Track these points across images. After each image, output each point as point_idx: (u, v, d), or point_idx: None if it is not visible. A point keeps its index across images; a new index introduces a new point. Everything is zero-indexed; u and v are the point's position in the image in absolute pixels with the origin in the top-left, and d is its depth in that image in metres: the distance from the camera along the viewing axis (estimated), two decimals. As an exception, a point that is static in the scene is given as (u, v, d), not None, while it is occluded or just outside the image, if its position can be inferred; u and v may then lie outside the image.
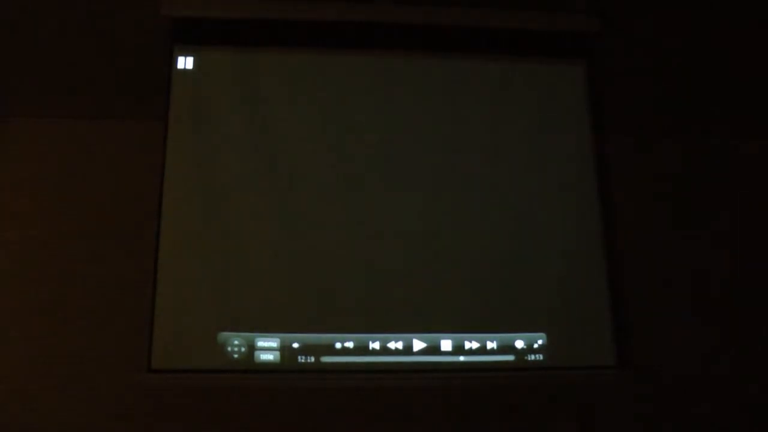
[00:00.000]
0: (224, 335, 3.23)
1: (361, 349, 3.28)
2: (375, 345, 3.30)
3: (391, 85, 3.64)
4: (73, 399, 3.46)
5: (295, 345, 3.26)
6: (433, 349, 3.33)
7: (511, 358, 3.36)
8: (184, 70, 3.56)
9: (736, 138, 3.91)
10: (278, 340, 3.26)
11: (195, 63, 3.58)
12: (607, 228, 3.59)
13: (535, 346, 3.38)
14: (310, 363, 3.24)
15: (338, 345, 3.27)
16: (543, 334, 3.40)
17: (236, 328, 3.25)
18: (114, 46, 3.57)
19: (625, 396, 3.41)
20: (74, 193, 3.67)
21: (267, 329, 3.26)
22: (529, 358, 3.37)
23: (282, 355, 3.24)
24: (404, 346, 3.31)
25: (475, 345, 3.35)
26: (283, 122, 3.52)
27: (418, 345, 3.33)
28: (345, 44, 3.68)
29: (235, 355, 3.22)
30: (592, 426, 3.37)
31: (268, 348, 3.25)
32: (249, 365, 3.21)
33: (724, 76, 3.88)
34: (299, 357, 3.24)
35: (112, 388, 3.47)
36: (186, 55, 3.58)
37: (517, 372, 3.34)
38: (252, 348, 3.23)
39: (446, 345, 3.34)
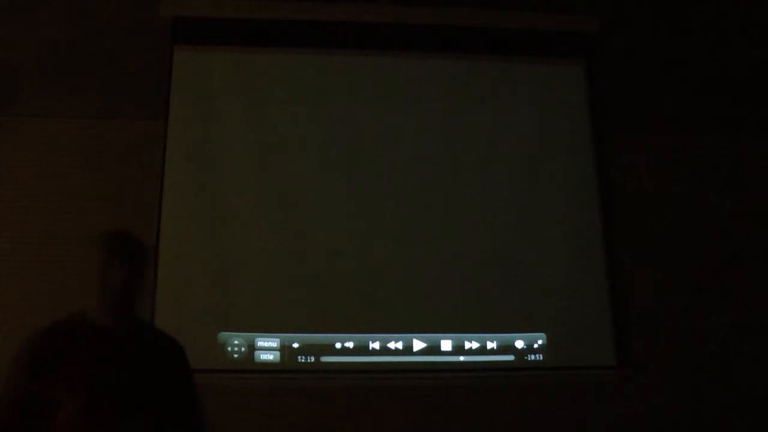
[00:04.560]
0: (224, 335, 3.23)
1: (361, 349, 3.29)
2: (375, 345, 3.30)
3: (390, 85, 3.64)
4: (73, 399, 3.45)
5: (295, 345, 3.26)
6: (433, 349, 3.33)
7: (511, 358, 3.36)
8: (184, 70, 3.56)
9: (736, 137, 3.91)
10: (278, 340, 3.26)
11: (195, 63, 3.58)
12: (607, 228, 3.59)
13: (535, 346, 3.38)
14: (310, 363, 3.24)
15: (338, 345, 3.28)
16: (543, 334, 3.40)
17: (236, 328, 3.25)
18: (114, 46, 3.57)
19: (625, 396, 3.41)
20: (74, 193, 3.66)
21: (267, 329, 3.26)
22: (529, 358, 3.37)
23: (282, 355, 3.24)
24: (404, 346, 3.32)
25: (475, 345, 3.35)
26: (282, 122, 3.52)
27: (418, 345, 3.33)
28: (345, 44, 3.68)
29: (235, 355, 3.22)
30: (591, 426, 3.37)
31: (268, 348, 3.25)
32: (249, 365, 3.21)
33: (723, 75, 3.89)
34: (299, 357, 3.25)
35: (112, 388, 3.46)
36: (186, 55, 3.59)
37: (517, 372, 3.35)
38: (252, 348, 3.24)
39: (446, 345, 3.34)
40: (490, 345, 3.35)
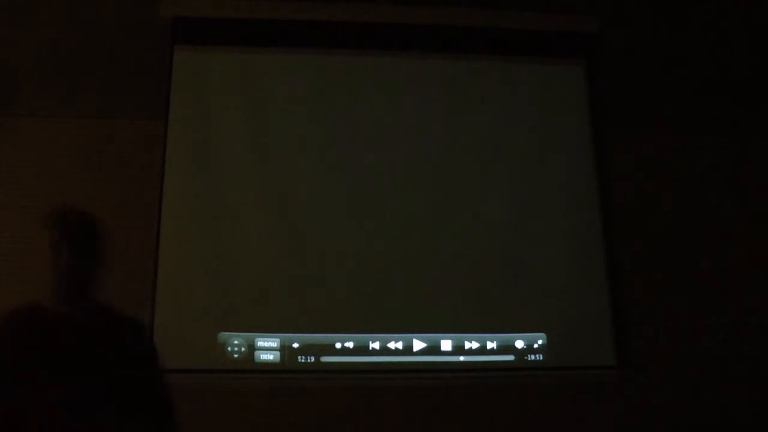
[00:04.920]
0: (224, 335, 3.23)
1: (361, 349, 3.29)
2: (375, 345, 3.30)
3: (390, 85, 3.64)
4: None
5: (295, 345, 3.26)
6: (433, 349, 3.33)
7: (511, 358, 3.36)
8: (184, 70, 3.56)
9: (736, 137, 3.91)
10: (278, 340, 3.26)
11: (195, 63, 3.58)
12: (607, 228, 3.59)
13: (535, 346, 3.38)
14: (310, 363, 3.24)
15: (338, 345, 3.28)
16: (543, 334, 3.39)
17: (236, 328, 3.25)
18: (114, 46, 3.57)
19: (625, 396, 3.41)
20: (74, 193, 3.66)
21: (267, 329, 3.26)
22: (529, 358, 3.37)
23: (282, 355, 3.24)
24: (404, 346, 3.31)
25: (475, 345, 3.35)
26: (282, 122, 3.52)
27: (418, 345, 3.33)
28: (345, 44, 3.68)
29: (235, 355, 3.22)
30: (591, 426, 3.37)
31: (268, 348, 3.25)
32: (249, 365, 3.21)
33: (723, 75, 3.89)
34: (299, 357, 3.25)
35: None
36: (186, 55, 3.58)
37: (517, 372, 3.35)
38: (252, 348, 3.24)
39: (446, 345, 3.34)
40: (490, 345, 3.35)
